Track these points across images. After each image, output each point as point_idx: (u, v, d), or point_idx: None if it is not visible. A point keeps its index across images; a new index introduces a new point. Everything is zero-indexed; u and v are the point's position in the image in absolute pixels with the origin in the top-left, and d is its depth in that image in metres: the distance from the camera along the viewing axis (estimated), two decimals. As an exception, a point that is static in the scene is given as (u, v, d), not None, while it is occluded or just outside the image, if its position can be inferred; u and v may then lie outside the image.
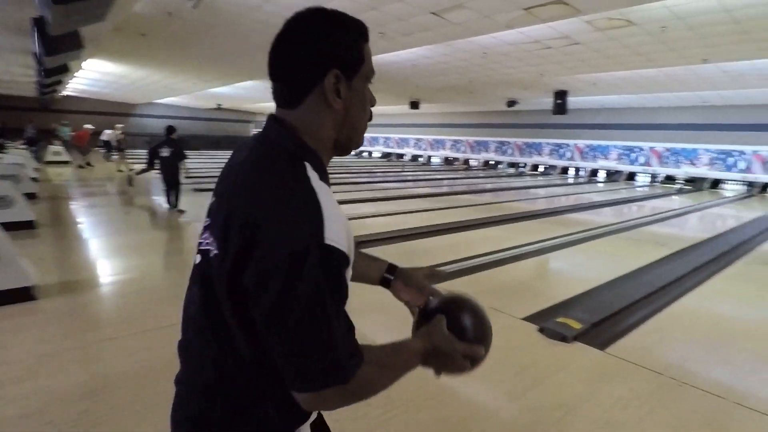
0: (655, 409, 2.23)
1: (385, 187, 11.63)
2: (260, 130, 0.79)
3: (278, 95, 0.76)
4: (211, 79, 13.78)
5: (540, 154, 19.34)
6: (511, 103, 15.49)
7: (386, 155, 27.13)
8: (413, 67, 10.47)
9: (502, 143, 20.75)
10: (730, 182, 14.58)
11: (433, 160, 24.29)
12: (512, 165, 20.52)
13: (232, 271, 0.65)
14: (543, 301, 3.63)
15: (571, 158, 18.27)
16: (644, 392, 2.38)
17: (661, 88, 11.26)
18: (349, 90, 0.75)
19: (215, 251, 0.69)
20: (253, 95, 18.31)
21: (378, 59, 9.57)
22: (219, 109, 25.04)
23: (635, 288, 4.04)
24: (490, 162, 21.46)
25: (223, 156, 20.70)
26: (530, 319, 3.28)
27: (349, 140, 0.80)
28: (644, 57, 7.84)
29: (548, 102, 13.66)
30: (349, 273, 0.71)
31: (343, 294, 0.67)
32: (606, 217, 8.78)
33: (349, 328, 0.69)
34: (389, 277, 1.01)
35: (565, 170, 18.66)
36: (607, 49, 7.54)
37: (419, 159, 24.92)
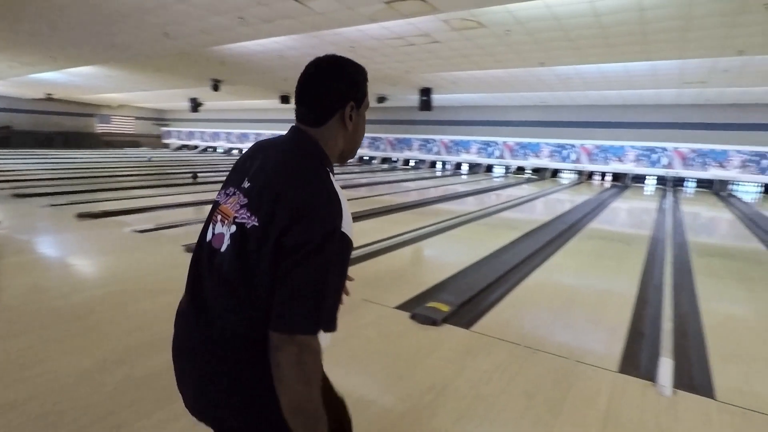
0: (515, 377, 2.39)
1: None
2: (287, 135, 1.02)
3: (306, 116, 1.00)
4: (35, 62, 11.56)
5: (410, 149, 20.32)
6: (381, 99, 15.95)
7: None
8: (280, 58, 10.08)
9: (374, 139, 21.30)
10: (566, 171, 17.04)
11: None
12: (385, 160, 21.22)
13: (279, 236, 0.84)
14: (414, 288, 3.71)
15: (438, 153, 19.55)
16: (505, 363, 2.54)
17: (509, 88, 12.59)
18: (357, 116, 1.03)
19: (254, 224, 0.88)
20: (93, 84, 15.88)
21: (241, 48, 8.98)
22: (50, 99, 21.20)
23: (494, 268, 4.39)
24: (364, 158, 21.90)
25: (58, 155, 17.69)
26: (403, 307, 3.32)
27: (350, 152, 1.07)
28: (494, 58, 8.64)
29: (415, 99, 14.34)
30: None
31: (344, 271, 0.92)
32: (469, 205, 9.53)
33: (337, 304, 0.89)
34: None
35: (433, 164, 19.90)
36: (463, 48, 8.12)
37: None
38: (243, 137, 26.41)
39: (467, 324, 3.08)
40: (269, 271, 0.85)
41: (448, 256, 5.12)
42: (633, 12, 5.70)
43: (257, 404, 0.89)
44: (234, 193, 0.97)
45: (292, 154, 0.96)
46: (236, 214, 0.92)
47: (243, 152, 1.13)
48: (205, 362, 0.91)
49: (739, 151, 13.74)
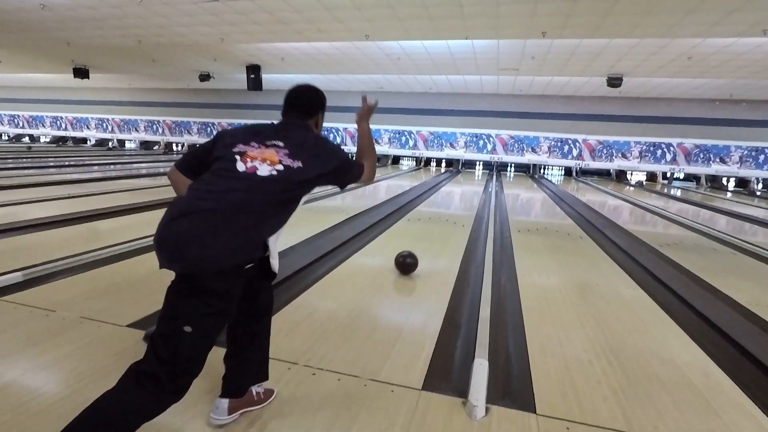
0: (288, 403, 1.48)
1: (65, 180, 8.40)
2: (291, 119, 1.61)
3: (299, 112, 1.61)
4: None
5: (247, 137, 18.52)
6: (204, 77, 13.93)
7: (59, 139, 21.14)
8: (45, 9, 7.69)
9: (205, 124, 18.92)
10: (405, 158, 17.29)
11: (127, 144, 20.30)
12: (220, 148, 19.02)
13: (322, 173, 1.50)
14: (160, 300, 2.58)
15: (278, 140, 18.20)
16: (275, 386, 1.62)
17: (343, 68, 11.95)
18: (322, 121, 1.71)
19: (299, 165, 1.44)
20: None
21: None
22: None
23: (300, 256, 3.49)
24: (196, 145, 19.27)
25: None
26: (138, 324, 2.18)
27: None
28: (316, 26, 7.77)
29: (245, 79, 12.80)
30: None
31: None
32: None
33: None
34: None
35: (274, 152, 18.48)
36: (278, 10, 7.06)
37: (109, 143, 20.38)
38: (35, 120, 21.27)
39: (224, 341, 2.09)
40: (299, 195, 1.49)
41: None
42: (447, -26, 5.35)
43: (250, 249, 1.36)
44: (266, 146, 1.46)
45: (308, 131, 1.59)
46: (281, 159, 1.43)
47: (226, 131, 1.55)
48: (218, 218, 1.29)
49: (546, 138, 15.49)
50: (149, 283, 2.88)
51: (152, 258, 3.35)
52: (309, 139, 1.52)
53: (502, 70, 10.97)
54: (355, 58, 10.51)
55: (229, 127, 1.60)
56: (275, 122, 1.57)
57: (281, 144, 1.44)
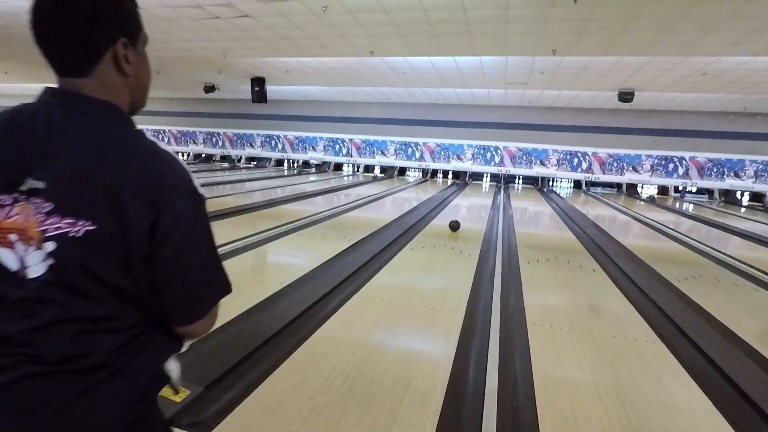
0: None
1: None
2: (54, 99, 0.78)
3: (64, 62, 0.77)
4: None
5: (253, 146, 18.46)
6: (209, 88, 13.86)
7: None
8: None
9: (211, 134, 18.88)
10: (412, 170, 17.09)
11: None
12: (225, 158, 18.98)
13: (149, 227, 0.75)
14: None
15: (283, 150, 18.09)
16: None
17: (348, 81, 11.81)
18: (137, 56, 0.83)
19: (88, 228, 0.72)
20: None
21: None
22: None
23: (287, 307, 3.28)
24: (202, 155, 19.33)
25: None
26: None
27: (141, 102, 0.89)
28: (319, 42, 7.61)
29: (249, 90, 12.71)
30: None
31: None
32: (317, 206, 8.49)
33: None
34: None
35: (280, 162, 18.39)
36: (280, 27, 6.91)
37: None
38: None
39: (214, 419, 1.90)
40: (127, 278, 0.75)
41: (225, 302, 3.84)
42: (453, -6, 5.16)
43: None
44: (19, 200, 0.72)
45: (88, 121, 0.77)
46: (44, 228, 0.71)
47: None
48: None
49: (555, 150, 15.21)
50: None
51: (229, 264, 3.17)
52: (109, 149, 0.75)
53: (510, 84, 10.75)
54: (361, 72, 10.36)
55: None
56: (44, 96, 0.79)
57: (33, 182, 0.72)
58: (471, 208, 10.04)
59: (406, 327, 3.06)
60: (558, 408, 2.17)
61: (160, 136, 19.65)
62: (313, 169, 17.64)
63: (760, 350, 2.94)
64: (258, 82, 12.15)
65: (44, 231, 0.71)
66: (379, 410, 2.08)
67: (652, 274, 4.75)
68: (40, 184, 0.71)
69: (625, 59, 7.75)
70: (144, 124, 19.72)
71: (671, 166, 14.39)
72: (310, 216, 6.96)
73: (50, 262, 0.71)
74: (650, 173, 14.64)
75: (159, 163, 0.78)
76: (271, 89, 12.81)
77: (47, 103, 0.77)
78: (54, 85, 0.79)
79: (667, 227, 8.09)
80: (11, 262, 0.72)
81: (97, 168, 0.72)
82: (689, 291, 4.17)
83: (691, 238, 7.02)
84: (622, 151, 14.73)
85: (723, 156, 13.91)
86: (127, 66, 0.80)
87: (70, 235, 0.71)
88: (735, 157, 13.83)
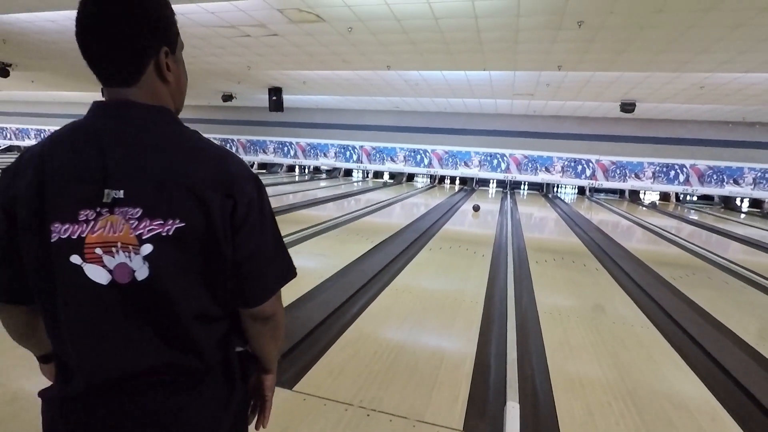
0: None
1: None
2: (113, 112, 0.81)
3: (115, 73, 0.79)
4: None
5: (266, 152, 19.05)
6: (227, 97, 14.46)
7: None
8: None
9: (225, 141, 19.48)
10: (420, 176, 17.63)
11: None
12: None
13: (229, 217, 0.81)
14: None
15: (295, 156, 18.67)
16: (326, 445, 1.91)
17: (362, 91, 12.37)
18: (176, 63, 0.86)
19: (178, 225, 0.76)
20: None
21: (27, 25, 7.01)
22: None
23: (335, 294, 3.80)
24: (215, 161, 19.91)
25: None
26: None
27: (179, 107, 0.93)
28: (340, 58, 8.16)
29: (265, 99, 13.29)
30: None
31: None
32: (329, 211, 8.97)
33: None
34: None
35: (291, 168, 18.96)
36: (306, 44, 7.46)
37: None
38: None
39: (292, 380, 2.40)
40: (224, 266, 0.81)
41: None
42: (468, 18, 5.69)
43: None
44: (102, 214, 0.75)
45: (146, 126, 0.80)
46: (139, 232, 0.75)
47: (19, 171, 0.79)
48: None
49: (559, 158, 15.72)
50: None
51: None
52: (176, 149, 0.80)
53: (517, 95, 11.28)
54: (375, 83, 10.91)
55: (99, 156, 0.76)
56: (97, 111, 0.81)
57: (116, 193, 0.75)
58: (480, 212, 10.54)
59: (435, 314, 3.57)
60: (567, 375, 2.67)
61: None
62: (324, 175, 18.19)
63: (738, 334, 3.42)
64: (275, 92, 12.71)
65: (140, 235, 0.74)
66: (422, 375, 2.59)
67: (650, 273, 5.23)
68: (119, 193, 0.74)
69: (626, 74, 8.26)
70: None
71: (672, 173, 14.86)
72: (330, 220, 7.48)
73: (149, 263, 0.75)
74: (652, 180, 15.10)
75: (223, 156, 0.82)
76: (285, 98, 13.37)
77: (103, 116, 0.79)
78: (100, 98, 0.82)
79: (667, 231, 8.56)
80: (99, 277, 0.75)
81: (170, 168, 0.76)
82: (682, 287, 4.66)
83: (689, 242, 7.49)
84: (624, 159, 15.21)
85: (722, 164, 14.38)
86: (169, 73, 0.83)
87: (163, 234, 0.74)
88: (734, 164, 14.29)
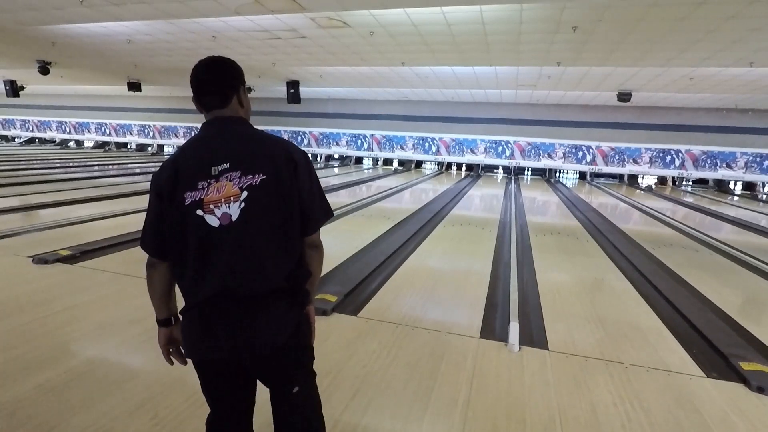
0: (398, 353, 2.73)
1: (109, 183, 9.89)
2: (219, 126, 1.32)
3: (213, 102, 1.31)
4: None
5: (280, 142, 19.88)
6: (247, 90, 15.26)
7: (102, 144, 22.86)
8: (129, 44, 9.07)
9: (241, 131, 20.33)
10: (428, 163, 18.49)
11: (165, 149, 21.88)
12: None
13: (293, 171, 1.28)
14: (300, 282, 3.86)
15: (309, 145, 19.55)
16: (389, 342, 2.86)
17: (374, 83, 13.19)
18: (246, 95, 1.38)
19: (262, 177, 1.23)
20: None
21: (80, 29, 7.89)
22: None
23: (374, 257, 4.74)
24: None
25: None
26: (291, 301, 3.45)
27: (248, 119, 1.41)
28: (359, 56, 9.01)
29: (282, 90, 14.11)
30: None
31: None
32: (343, 198, 9.86)
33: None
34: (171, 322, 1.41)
35: (304, 156, 19.81)
36: (330, 45, 8.31)
37: (149, 149, 22.04)
38: (81, 126, 22.94)
39: (354, 311, 3.34)
40: (294, 200, 1.27)
41: (329, 249, 5.27)
42: (477, 25, 6.53)
43: (299, 325, 1.32)
44: (213, 181, 1.21)
45: (243, 130, 1.31)
46: (239, 185, 1.21)
47: (162, 168, 1.29)
48: (262, 307, 1.23)
49: (561, 144, 16.52)
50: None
51: None
52: (256, 138, 1.31)
53: (521, 86, 12.08)
54: (388, 77, 11.73)
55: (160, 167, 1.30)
56: (206, 126, 1.31)
57: (222, 165, 1.22)
58: (484, 197, 11.43)
59: (456, 268, 4.51)
60: (556, 311, 3.61)
61: (193, 132, 21.14)
62: (337, 163, 19.08)
63: (699, 289, 4.35)
64: (293, 85, 13.53)
65: (241, 187, 1.20)
66: (451, 311, 3.53)
67: (630, 242, 6.15)
68: (226, 165, 1.22)
69: (619, 68, 9.06)
70: (179, 122, 21.27)
71: (668, 158, 15.64)
72: (351, 204, 8.40)
73: (243, 206, 1.19)
74: (649, 165, 15.90)
75: (282, 140, 1.34)
76: (301, 89, 14.15)
77: (208, 127, 1.31)
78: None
79: (662, 213, 9.44)
80: (213, 222, 1.19)
81: (256, 147, 1.27)
82: (659, 255, 5.58)
83: (683, 223, 8.36)
84: (623, 145, 15.99)
85: (716, 149, 15.14)
86: (244, 101, 1.37)
87: (254, 184, 1.21)
88: (727, 149, 15.06)
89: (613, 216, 8.95)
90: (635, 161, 16.01)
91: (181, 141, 21.40)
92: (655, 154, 15.74)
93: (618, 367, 2.67)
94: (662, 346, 3.00)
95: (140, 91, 16.18)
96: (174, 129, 21.53)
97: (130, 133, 22.32)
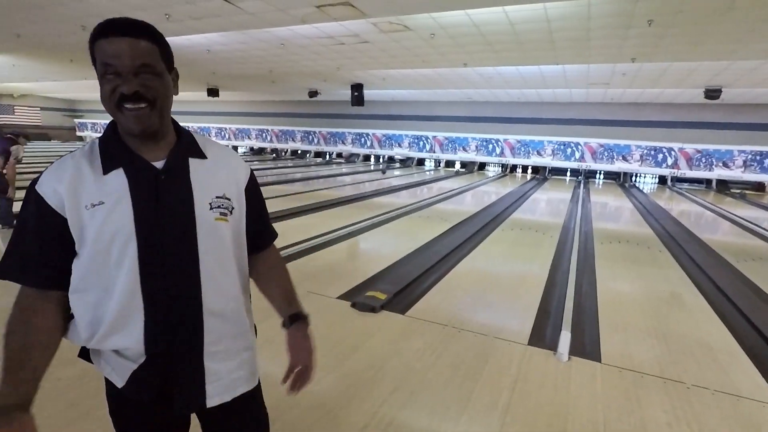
0: (442, 353, 2.74)
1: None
2: None
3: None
4: None
5: (344, 143, 20.47)
6: (313, 93, 15.91)
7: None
8: (208, 53, 9.81)
9: (307, 133, 21.18)
10: (491, 165, 18.09)
11: (239, 150, 23.30)
12: (319, 154, 21.22)
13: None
14: (354, 279, 3.98)
15: (371, 146, 19.89)
16: (434, 342, 2.89)
17: (437, 85, 13.17)
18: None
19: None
20: (-6, 74, 14.35)
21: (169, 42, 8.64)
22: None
23: (427, 258, 4.77)
24: (298, 151, 21.74)
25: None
26: (344, 296, 3.59)
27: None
28: (420, 59, 9.05)
29: (347, 93, 14.50)
30: None
31: None
32: (403, 198, 9.96)
33: None
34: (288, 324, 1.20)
35: (367, 158, 20.23)
36: (391, 49, 8.43)
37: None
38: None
39: (402, 310, 3.40)
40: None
41: (384, 248, 5.41)
42: (541, 23, 6.32)
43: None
44: None
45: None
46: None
47: None
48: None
49: (638, 146, 15.42)
50: (344, 268, 4.33)
51: (337, 249, 4.82)
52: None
53: (593, 84, 11.47)
54: (450, 78, 11.66)
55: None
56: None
57: None
58: (550, 201, 10.98)
59: (510, 272, 4.42)
60: (614, 322, 3.43)
61: (263, 135, 22.36)
62: (398, 164, 19.24)
63: (782, 304, 3.91)
64: (357, 88, 13.86)
65: None
66: (500, 315, 3.48)
67: (711, 254, 5.63)
68: None
69: (705, 63, 8.31)
70: (250, 125, 22.56)
71: (766, 161, 14.05)
72: (409, 205, 8.45)
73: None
74: (743, 169, 14.38)
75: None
76: (364, 92, 14.47)
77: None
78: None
79: (756, 225, 8.54)
80: None
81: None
82: (744, 269, 5.07)
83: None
84: (711, 147, 14.61)
85: (825, 151, 13.36)
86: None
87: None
88: (840, 151, 13.23)
89: (695, 225, 8.24)
90: (726, 165, 14.56)
91: (254, 143, 22.71)
92: (750, 156, 14.21)
93: (678, 386, 2.50)
94: (734, 369, 2.75)
95: (218, 96, 17.42)
96: (247, 131, 22.86)
97: (210, 135, 24.00)
